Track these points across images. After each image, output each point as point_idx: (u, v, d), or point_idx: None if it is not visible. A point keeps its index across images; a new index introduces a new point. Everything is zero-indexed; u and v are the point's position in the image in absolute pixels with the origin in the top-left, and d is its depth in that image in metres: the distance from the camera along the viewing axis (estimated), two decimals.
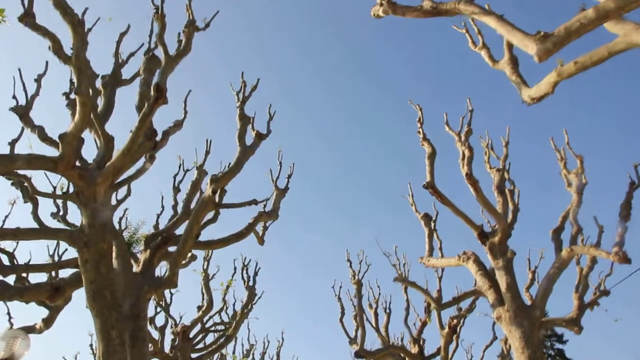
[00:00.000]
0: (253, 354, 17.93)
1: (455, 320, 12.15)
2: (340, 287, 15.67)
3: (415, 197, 11.23)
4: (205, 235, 8.87)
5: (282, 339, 19.38)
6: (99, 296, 5.94)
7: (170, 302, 13.61)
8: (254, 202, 8.47)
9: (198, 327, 12.70)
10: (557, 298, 8.67)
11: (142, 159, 7.62)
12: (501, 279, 8.59)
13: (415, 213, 11.23)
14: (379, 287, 15.93)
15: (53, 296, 7.30)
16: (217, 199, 7.42)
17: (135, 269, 7.78)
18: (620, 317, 11.11)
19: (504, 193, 9.49)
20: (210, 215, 9.10)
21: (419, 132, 9.25)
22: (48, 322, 8.08)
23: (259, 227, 9.90)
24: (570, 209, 9.12)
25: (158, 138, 7.77)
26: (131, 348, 6.49)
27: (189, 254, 10.68)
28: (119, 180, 7.02)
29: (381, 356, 13.26)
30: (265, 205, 9.28)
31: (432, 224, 11.15)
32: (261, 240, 9.60)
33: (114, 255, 7.32)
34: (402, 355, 13.50)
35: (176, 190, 9.94)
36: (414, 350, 13.64)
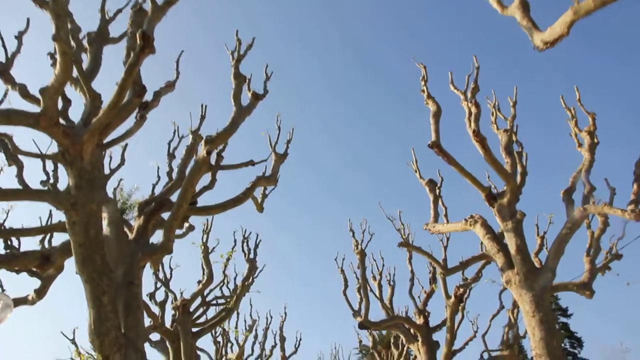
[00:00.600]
0: (256, 329, 17.80)
1: (461, 290, 11.86)
2: (343, 259, 15.43)
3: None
4: (202, 203, 8.56)
5: (285, 314, 19.25)
6: (88, 260, 5.62)
7: (170, 277, 13.39)
8: (251, 162, 8.09)
9: (198, 300, 12.49)
10: (564, 265, 8.31)
11: (133, 120, 7.26)
12: (510, 242, 8.25)
13: (419, 179, 10.90)
14: (382, 258, 15.70)
15: (43, 265, 7.00)
16: (212, 161, 7.07)
17: (129, 236, 7.46)
18: (632, 280, 10.80)
19: (512, 154, 9.09)
20: (206, 181, 8.75)
21: (422, 90, 8.82)
22: (40, 293, 7.78)
23: (259, 195, 9.56)
24: (582, 169, 8.73)
25: (149, 98, 7.41)
26: (125, 316, 6.19)
27: (187, 224, 10.36)
28: (108, 141, 6.66)
29: (386, 326, 13.05)
30: (265, 172, 8.92)
31: (437, 190, 10.82)
32: (260, 208, 9.26)
33: (106, 222, 7.00)
34: (407, 326, 13.27)
35: (171, 157, 9.57)
36: (419, 321, 13.41)
